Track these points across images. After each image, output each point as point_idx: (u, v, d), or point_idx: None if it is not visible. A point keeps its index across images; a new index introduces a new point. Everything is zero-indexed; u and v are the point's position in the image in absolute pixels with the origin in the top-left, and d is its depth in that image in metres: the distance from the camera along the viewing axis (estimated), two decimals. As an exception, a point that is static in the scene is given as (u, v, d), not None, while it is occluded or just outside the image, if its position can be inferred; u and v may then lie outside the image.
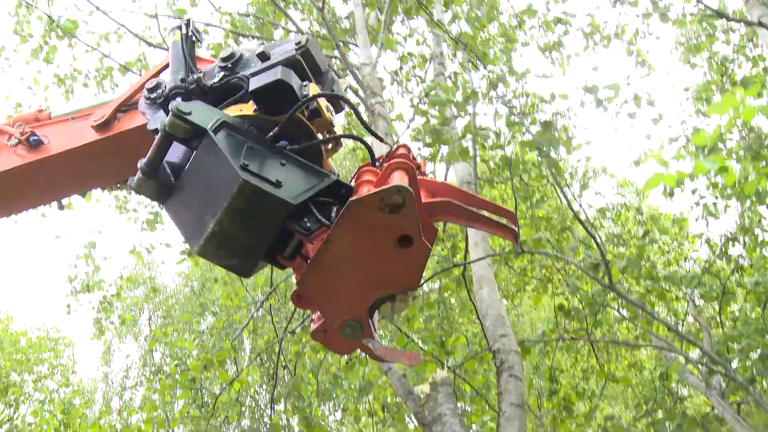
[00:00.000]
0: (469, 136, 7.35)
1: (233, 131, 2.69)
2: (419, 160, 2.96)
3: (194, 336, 20.30)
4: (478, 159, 9.03)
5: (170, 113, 2.65)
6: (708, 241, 11.44)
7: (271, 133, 2.74)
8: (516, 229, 2.71)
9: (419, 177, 2.73)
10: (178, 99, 2.84)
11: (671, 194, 10.71)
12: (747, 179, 8.00)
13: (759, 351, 9.59)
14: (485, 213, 2.78)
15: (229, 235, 2.64)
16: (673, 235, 12.71)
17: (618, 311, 10.07)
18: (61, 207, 3.98)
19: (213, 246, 2.67)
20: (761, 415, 9.56)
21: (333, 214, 2.63)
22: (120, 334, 26.98)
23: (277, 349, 9.05)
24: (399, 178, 2.46)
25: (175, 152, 2.84)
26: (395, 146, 2.89)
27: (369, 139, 6.76)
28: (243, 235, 2.63)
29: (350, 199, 2.42)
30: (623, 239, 11.46)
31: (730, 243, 10.71)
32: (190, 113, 2.67)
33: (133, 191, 2.78)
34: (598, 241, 9.21)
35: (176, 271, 24.90)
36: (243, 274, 2.87)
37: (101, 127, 3.09)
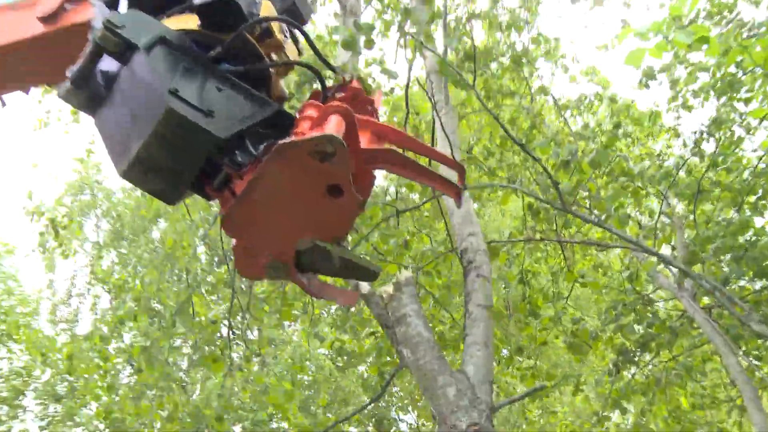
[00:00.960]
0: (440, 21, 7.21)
1: (170, 48, 2.57)
2: (374, 94, 2.90)
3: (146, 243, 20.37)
4: (449, 50, 8.91)
5: (102, 25, 2.52)
6: (678, 133, 11.51)
7: (212, 53, 2.63)
8: (461, 186, 2.69)
9: (365, 118, 2.67)
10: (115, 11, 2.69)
11: (647, 85, 10.69)
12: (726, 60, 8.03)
13: (731, 253, 9.84)
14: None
15: (154, 161, 2.54)
16: (647, 129, 12.76)
17: (589, 210, 10.20)
18: (2, 104, 3.82)
19: (138, 171, 2.59)
20: (732, 317, 9.88)
21: (264, 148, 2.57)
22: (65, 242, 26.80)
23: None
24: (333, 126, 2.41)
25: (111, 59, 2.72)
26: (350, 78, 2.82)
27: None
28: (169, 163, 2.54)
29: (280, 141, 2.38)
30: (593, 132, 11.50)
31: (705, 139, 10.80)
32: (122, 27, 2.50)
33: (60, 99, 2.68)
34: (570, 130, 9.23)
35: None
36: (168, 201, 2.80)
37: (48, 19, 2.94)
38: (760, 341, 10.67)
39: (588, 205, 10.56)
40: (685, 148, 11.55)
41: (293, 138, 2.39)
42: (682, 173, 10.73)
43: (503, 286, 10.25)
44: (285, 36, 2.83)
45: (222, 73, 2.58)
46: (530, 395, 6.04)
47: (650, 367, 11.88)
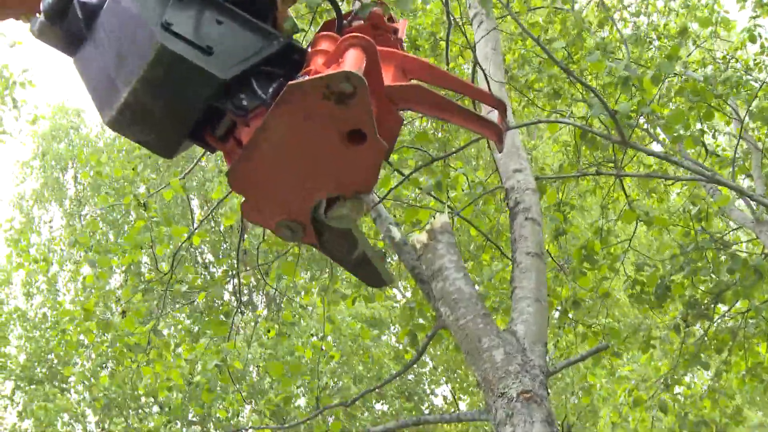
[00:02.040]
0: None
1: None
2: (398, 21, 2.80)
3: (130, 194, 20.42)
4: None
5: None
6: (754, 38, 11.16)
7: None
8: (504, 125, 2.59)
9: (388, 50, 2.58)
10: None
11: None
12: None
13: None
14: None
15: (145, 108, 2.46)
16: (706, 22, 12.40)
17: (650, 137, 10.04)
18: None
19: (126, 119, 2.51)
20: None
21: (274, 90, 2.48)
22: (40, 199, 26.98)
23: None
24: (352, 61, 2.31)
25: None
26: (368, 3, 2.73)
27: None
28: (162, 110, 2.46)
29: (289, 82, 2.29)
30: (649, 36, 11.23)
31: None
32: None
33: (35, 37, 2.62)
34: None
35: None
36: (163, 153, 2.72)
37: None
38: None
39: (649, 131, 10.39)
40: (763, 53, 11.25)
41: (304, 78, 2.30)
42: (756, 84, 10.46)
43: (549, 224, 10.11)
44: None
45: (221, 3, 2.50)
46: (591, 356, 5.99)
47: (725, 320, 11.78)
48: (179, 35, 2.34)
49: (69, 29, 2.56)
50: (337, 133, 2.31)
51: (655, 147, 11.57)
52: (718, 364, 11.75)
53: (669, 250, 10.83)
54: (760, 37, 11.46)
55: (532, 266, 5.56)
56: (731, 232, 11.44)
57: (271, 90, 2.40)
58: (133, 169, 14.31)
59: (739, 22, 12.23)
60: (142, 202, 8.81)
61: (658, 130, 10.17)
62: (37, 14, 2.90)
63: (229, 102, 2.43)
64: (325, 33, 2.56)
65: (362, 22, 2.73)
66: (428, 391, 22.32)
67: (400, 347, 18.42)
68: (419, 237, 5.55)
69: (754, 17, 11.58)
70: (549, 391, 5.47)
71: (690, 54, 11.75)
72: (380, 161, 2.45)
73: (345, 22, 2.67)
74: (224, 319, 9.65)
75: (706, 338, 11.23)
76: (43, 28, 2.55)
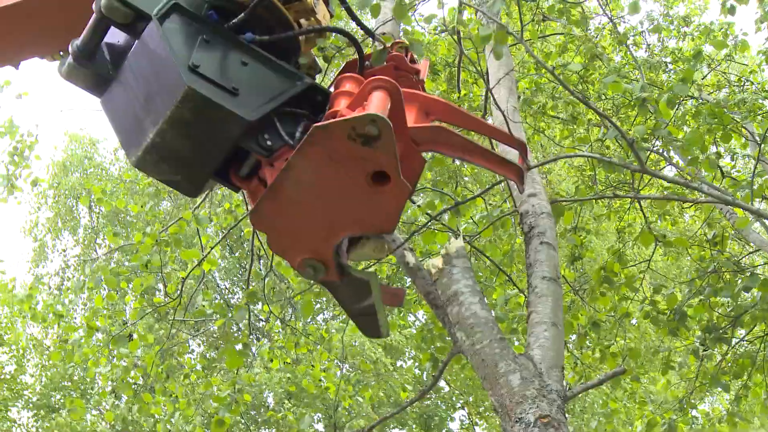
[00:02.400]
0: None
1: (186, 17, 2.51)
2: (419, 62, 2.83)
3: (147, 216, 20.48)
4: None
5: None
6: None
7: (234, 21, 2.56)
8: (524, 166, 2.62)
9: (410, 91, 2.61)
10: None
11: (731, 11, 10.45)
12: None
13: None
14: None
15: (172, 148, 2.50)
16: (720, 46, 12.43)
17: (667, 159, 10.05)
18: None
19: (153, 158, 2.55)
20: None
21: (300, 132, 2.51)
22: (54, 228, 27.07)
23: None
24: (378, 103, 2.34)
25: (118, 32, 2.68)
26: (390, 44, 2.76)
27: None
28: (189, 150, 2.50)
29: (314, 125, 2.32)
30: (666, 63, 11.24)
31: None
32: None
33: (62, 78, 2.65)
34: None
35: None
36: (188, 193, 2.75)
37: None
38: None
39: (664, 154, 10.39)
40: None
41: (330, 120, 2.32)
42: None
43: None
44: None
45: (245, 44, 2.53)
46: (608, 380, 5.97)
47: (744, 344, 11.72)
48: (206, 77, 2.38)
49: (97, 71, 2.59)
50: (362, 173, 2.33)
51: (669, 171, 11.61)
52: (737, 389, 11.66)
53: (687, 274, 10.80)
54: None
55: (548, 291, 5.56)
56: (748, 256, 11.39)
57: (297, 132, 2.43)
58: (141, 206, 14.40)
59: (753, 44, 12.24)
60: (156, 239, 8.83)
61: (672, 153, 10.15)
62: (61, 53, 2.94)
63: (255, 142, 2.46)
64: (348, 74, 2.58)
65: (384, 63, 2.76)
66: (445, 417, 22.25)
67: (417, 372, 18.36)
68: (434, 262, 5.57)
69: None
70: (567, 415, 5.46)
71: (705, 77, 11.77)
72: (404, 202, 2.48)
73: (366, 63, 2.70)
74: (241, 348, 9.65)
75: (724, 363, 11.16)
76: (72, 70, 2.58)
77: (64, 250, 27.30)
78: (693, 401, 11.31)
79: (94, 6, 2.49)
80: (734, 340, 11.19)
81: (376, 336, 2.80)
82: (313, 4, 2.74)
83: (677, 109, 9.46)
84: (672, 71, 11.38)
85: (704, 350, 10.80)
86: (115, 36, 2.61)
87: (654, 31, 12.39)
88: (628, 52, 11.35)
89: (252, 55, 2.53)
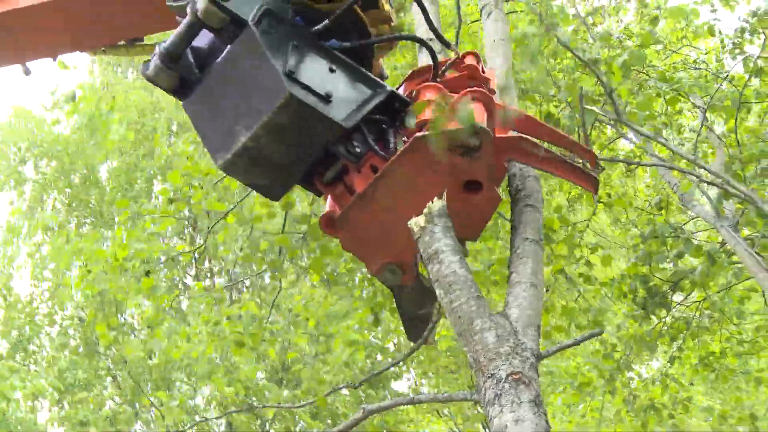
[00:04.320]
0: None
1: (276, 22, 2.54)
2: (485, 68, 2.87)
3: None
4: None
5: None
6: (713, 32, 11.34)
7: (319, 27, 2.58)
8: (596, 174, 2.71)
9: (496, 103, 2.66)
10: None
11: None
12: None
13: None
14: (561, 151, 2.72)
15: (264, 152, 2.56)
16: (679, 33, 12.80)
17: (613, 126, 10.29)
18: (27, 72, 3.78)
19: (243, 162, 2.61)
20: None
21: (392, 141, 2.55)
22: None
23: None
24: (479, 115, 2.38)
25: (202, 35, 2.69)
26: (462, 54, 2.79)
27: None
28: (281, 154, 2.56)
29: (416, 134, 2.37)
30: (619, 41, 11.49)
31: (746, 35, 10.62)
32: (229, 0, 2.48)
33: (147, 79, 2.66)
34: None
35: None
36: (272, 196, 2.81)
37: None
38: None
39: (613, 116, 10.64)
40: (724, 50, 11.51)
41: (430, 131, 2.37)
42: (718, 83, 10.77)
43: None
44: (391, 3, 2.81)
45: (330, 51, 2.57)
46: (583, 341, 6.21)
47: (681, 308, 12.15)
48: (303, 84, 2.42)
49: (182, 73, 2.61)
50: (456, 183, 2.43)
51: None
52: (673, 352, 12.13)
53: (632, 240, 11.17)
54: (720, 33, 11.81)
55: (530, 252, 5.71)
56: (690, 222, 11.80)
57: (391, 141, 2.49)
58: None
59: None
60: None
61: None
62: (104, 49, 2.98)
63: (344, 148, 2.53)
64: (430, 84, 2.63)
65: (457, 73, 2.80)
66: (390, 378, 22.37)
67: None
68: (417, 220, 5.69)
69: (713, 11, 11.90)
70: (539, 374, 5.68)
71: (665, 59, 12.09)
72: (493, 210, 2.60)
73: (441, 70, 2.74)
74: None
75: (660, 325, 11.58)
76: (158, 72, 2.62)
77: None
78: (632, 364, 11.73)
79: (188, 9, 2.52)
80: (674, 307, 11.64)
81: (417, 340, 2.90)
82: (390, 13, 2.78)
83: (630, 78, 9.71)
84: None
85: (643, 313, 11.21)
86: (198, 39, 2.64)
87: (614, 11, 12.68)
88: (584, 26, 11.57)
89: (338, 62, 2.57)
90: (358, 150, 2.56)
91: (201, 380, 17.18)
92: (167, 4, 2.71)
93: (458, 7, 7.39)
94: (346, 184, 2.65)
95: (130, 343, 17.11)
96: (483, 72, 2.91)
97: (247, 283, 18.62)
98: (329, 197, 2.78)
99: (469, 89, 2.58)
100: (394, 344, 17.97)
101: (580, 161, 3.05)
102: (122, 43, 3.53)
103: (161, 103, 22.06)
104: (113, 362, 19.37)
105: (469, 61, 2.83)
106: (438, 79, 2.85)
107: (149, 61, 2.67)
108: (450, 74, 2.91)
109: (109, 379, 20.85)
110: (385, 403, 6.90)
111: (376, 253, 2.69)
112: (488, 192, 2.54)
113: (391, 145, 2.61)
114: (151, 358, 18.25)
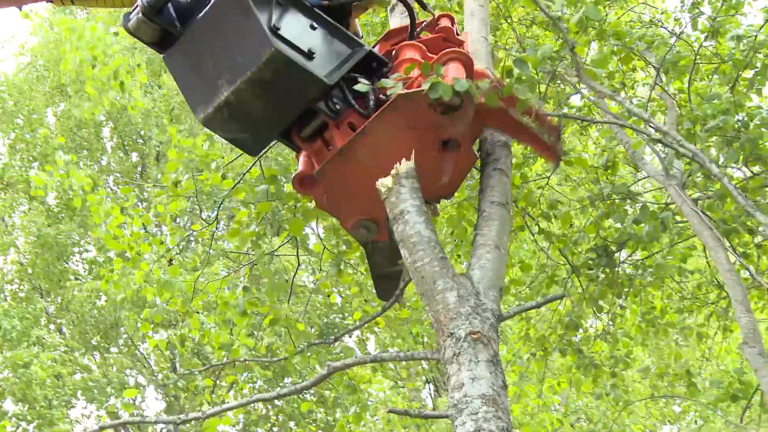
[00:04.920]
0: None
1: None
2: (462, 33, 2.90)
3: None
4: None
5: None
6: None
7: None
8: (560, 148, 2.78)
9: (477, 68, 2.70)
10: None
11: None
12: None
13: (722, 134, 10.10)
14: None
15: (245, 107, 2.58)
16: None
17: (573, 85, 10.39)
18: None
19: (223, 116, 2.63)
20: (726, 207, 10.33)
21: (371, 99, 2.56)
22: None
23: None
24: (458, 74, 2.42)
25: None
26: (437, 15, 2.83)
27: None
28: (262, 109, 2.58)
29: (399, 92, 2.40)
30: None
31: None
32: None
33: (128, 32, 2.65)
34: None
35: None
36: (250, 151, 2.82)
37: None
38: (749, 237, 11.21)
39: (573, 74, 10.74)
40: (683, 8, 11.57)
41: (412, 89, 2.41)
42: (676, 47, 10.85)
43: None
44: None
45: (310, 8, 2.58)
46: (546, 303, 6.33)
47: (625, 266, 12.36)
48: (287, 40, 2.44)
49: (164, 27, 2.61)
50: (434, 141, 2.48)
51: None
52: (617, 309, 12.36)
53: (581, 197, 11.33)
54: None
55: (496, 215, 5.79)
56: (638, 183, 11.99)
57: (372, 100, 2.52)
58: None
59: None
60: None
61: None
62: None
63: (324, 105, 2.56)
64: (409, 43, 2.66)
65: (432, 34, 2.86)
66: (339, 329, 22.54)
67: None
68: (384, 181, 5.73)
69: None
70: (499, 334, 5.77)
71: (619, 17, 12.12)
72: (469, 169, 2.66)
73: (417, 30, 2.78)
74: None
75: (606, 280, 11.74)
76: (140, 24, 2.62)
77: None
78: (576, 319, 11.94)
79: None
80: (619, 264, 11.84)
81: (389, 298, 2.96)
82: None
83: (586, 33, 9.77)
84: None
85: (591, 272, 11.41)
86: None
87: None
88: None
89: (319, 20, 2.60)
90: (338, 107, 2.62)
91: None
92: None
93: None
94: (324, 140, 2.71)
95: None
96: (457, 34, 2.98)
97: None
98: (302, 157, 2.82)
99: (450, 49, 2.66)
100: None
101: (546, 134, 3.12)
102: None
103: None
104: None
105: (444, 23, 2.90)
106: (413, 40, 2.89)
107: (130, 13, 2.67)
108: (424, 35, 2.96)
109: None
110: (349, 360, 6.99)
111: (352, 209, 2.77)
112: (467, 152, 2.63)
113: (371, 103, 2.66)
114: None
